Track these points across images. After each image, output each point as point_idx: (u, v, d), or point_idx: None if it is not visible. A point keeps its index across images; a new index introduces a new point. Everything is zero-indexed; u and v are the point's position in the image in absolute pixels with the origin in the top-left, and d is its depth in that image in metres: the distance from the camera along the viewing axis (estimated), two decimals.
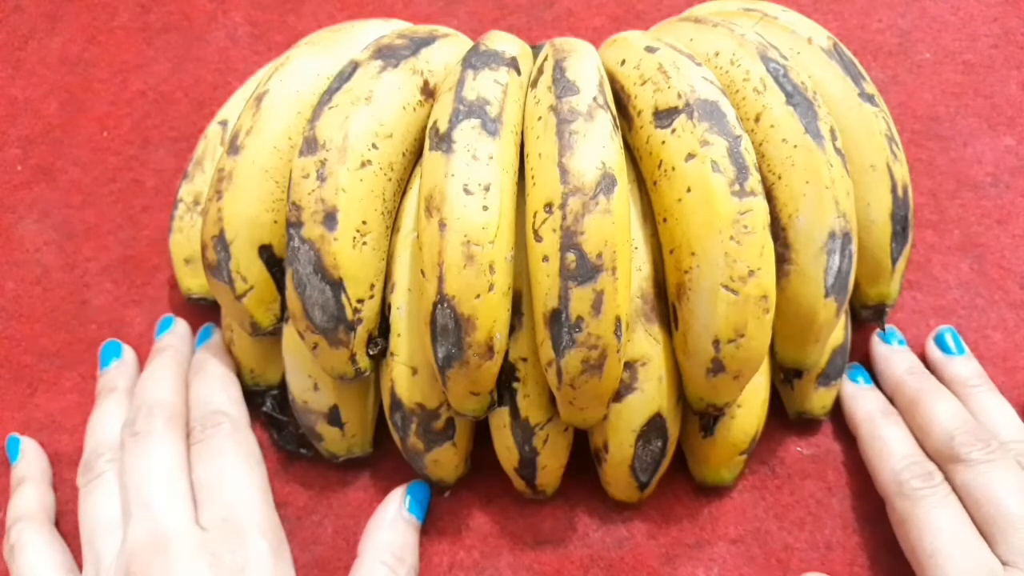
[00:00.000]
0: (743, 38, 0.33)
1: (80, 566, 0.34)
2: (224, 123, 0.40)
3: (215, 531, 0.32)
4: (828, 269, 0.30)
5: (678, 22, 0.36)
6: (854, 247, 0.31)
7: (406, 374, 0.32)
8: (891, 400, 0.36)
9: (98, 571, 0.32)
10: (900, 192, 0.33)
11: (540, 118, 0.30)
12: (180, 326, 0.39)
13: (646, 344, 0.32)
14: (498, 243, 0.29)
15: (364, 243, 0.31)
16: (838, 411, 0.37)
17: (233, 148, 0.33)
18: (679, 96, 0.30)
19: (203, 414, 0.35)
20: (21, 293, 0.42)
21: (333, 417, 0.35)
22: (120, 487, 0.33)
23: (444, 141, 0.30)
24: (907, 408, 0.35)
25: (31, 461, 0.37)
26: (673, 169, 0.30)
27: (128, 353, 0.39)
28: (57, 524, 0.36)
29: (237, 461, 0.34)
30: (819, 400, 0.36)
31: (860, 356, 0.38)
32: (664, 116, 0.31)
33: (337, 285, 0.31)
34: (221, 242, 0.33)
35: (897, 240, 0.34)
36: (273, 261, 0.34)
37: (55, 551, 0.34)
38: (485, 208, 0.29)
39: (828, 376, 0.35)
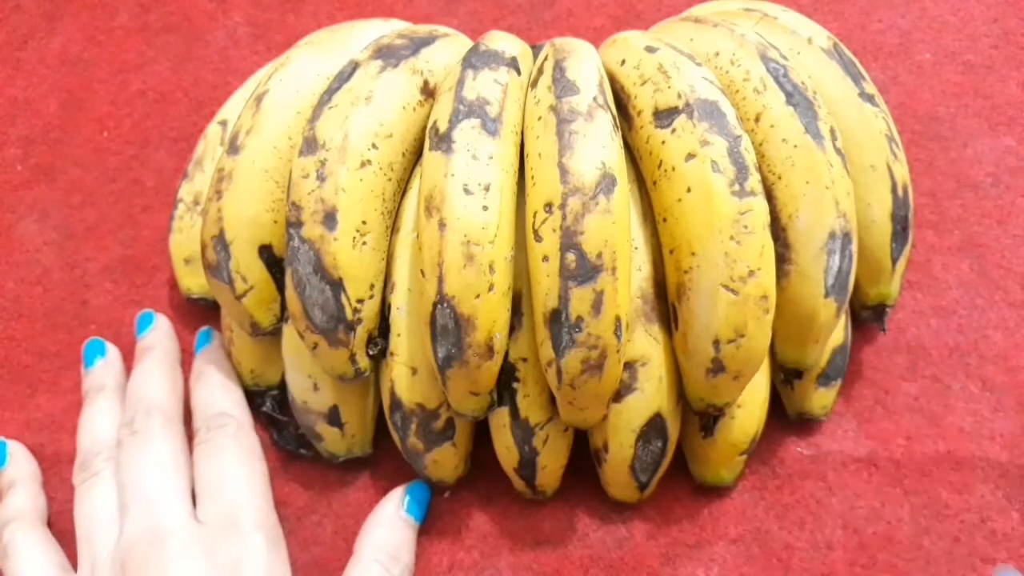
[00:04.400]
0: (743, 38, 0.33)
1: (74, 566, 0.34)
2: (224, 123, 0.40)
3: (212, 525, 0.32)
4: (828, 269, 0.30)
5: (678, 22, 0.36)
6: (854, 247, 0.31)
7: (406, 374, 0.32)
8: None
9: (94, 567, 0.32)
10: (900, 192, 0.33)
11: (540, 118, 0.30)
12: (162, 322, 0.39)
13: (646, 344, 0.32)
14: (498, 243, 0.29)
15: (364, 243, 0.31)
16: (838, 411, 0.37)
17: (233, 148, 0.33)
18: (679, 96, 0.30)
19: (208, 416, 0.35)
20: (21, 293, 0.42)
21: (333, 417, 0.35)
22: (117, 484, 0.33)
23: (444, 141, 0.30)
24: None
25: (20, 464, 0.36)
26: (673, 169, 0.30)
27: (112, 351, 0.39)
28: (57, 522, 0.36)
29: (238, 459, 0.34)
30: (819, 400, 0.35)
31: (860, 356, 0.38)
32: (664, 116, 0.31)
33: (337, 285, 0.31)
34: (221, 242, 0.33)
35: (897, 240, 0.34)
36: (273, 261, 0.34)
37: (48, 551, 0.34)
38: (485, 208, 0.29)
39: (828, 376, 0.35)
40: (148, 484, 0.33)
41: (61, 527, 0.36)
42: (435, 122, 0.31)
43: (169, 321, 0.39)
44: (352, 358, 0.32)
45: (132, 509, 0.32)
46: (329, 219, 0.30)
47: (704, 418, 0.33)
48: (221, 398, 0.36)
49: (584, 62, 0.32)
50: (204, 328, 0.39)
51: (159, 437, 0.34)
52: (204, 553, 0.31)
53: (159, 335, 0.38)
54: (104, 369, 0.38)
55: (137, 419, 0.34)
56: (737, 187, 0.29)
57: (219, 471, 0.34)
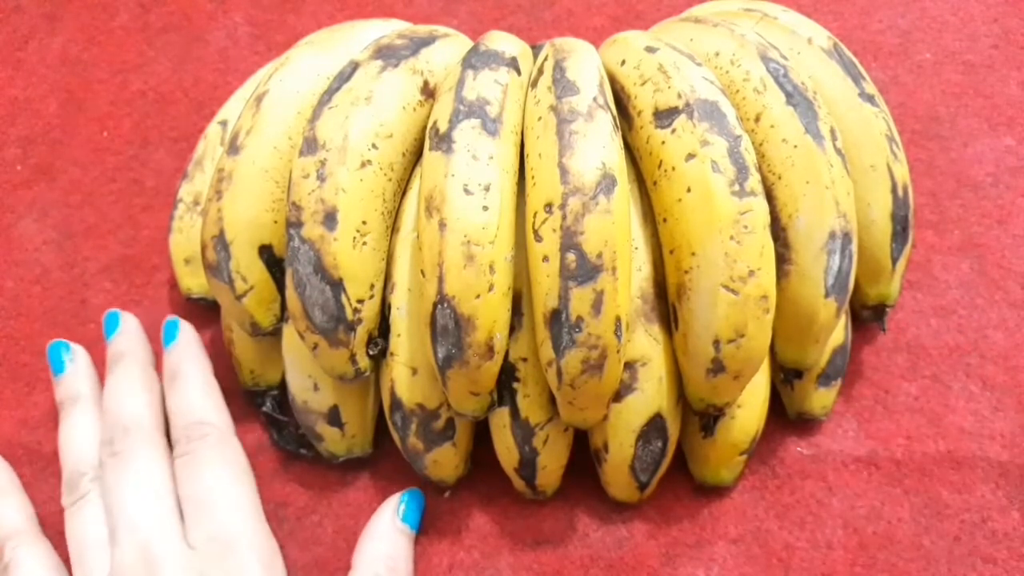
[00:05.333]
0: (743, 38, 0.33)
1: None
2: (224, 123, 0.40)
3: (205, 549, 0.31)
4: (828, 269, 0.30)
5: (678, 22, 0.36)
6: (854, 247, 0.31)
7: (406, 374, 0.32)
8: None
9: None
10: (900, 192, 0.33)
11: (540, 118, 0.30)
12: (129, 323, 0.37)
13: (646, 344, 0.32)
14: (498, 243, 0.29)
15: (364, 243, 0.31)
16: (838, 411, 0.37)
17: (233, 148, 0.33)
18: (679, 96, 0.30)
19: (186, 424, 0.34)
20: (20, 292, 0.42)
21: (333, 417, 0.35)
22: (104, 509, 0.33)
23: (444, 141, 0.30)
24: None
25: (1, 473, 0.36)
26: (673, 169, 0.30)
27: (79, 353, 0.37)
28: (57, 523, 0.36)
29: (224, 474, 0.33)
30: (819, 400, 0.36)
31: (860, 356, 0.38)
32: (664, 116, 0.31)
33: (337, 285, 0.31)
34: (221, 242, 0.33)
35: (897, 240, 0.34)
36: (273, 261, 0.34)
37: (51, 567, 0.33)
38: (485, 208, 0.29)
39: (828, 376, 0.35)
40: (134, 509, 0.32)
41: (58, 528, 0.35)
42: (435, 122, 0.31)
43: (136, 320, 0.38)
44: (352, 358, 0.32)
45: (121, 536, 0.32)
46: (329, 219, 0.30)
47: (704, 418, 0.33)
48: (199, 404, 0.35)
49: (584, 62, 0.32)
50: (171, 318, 0.37)
51: (141, 457, 0.33)
52: None
53: (128, 340, 0.37)
54: (74, 376, 0.37)
55: (116, 439, 0.33)
56: (737, 187, 0.29)
57: (205, 488, 0.33)
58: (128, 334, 0.37)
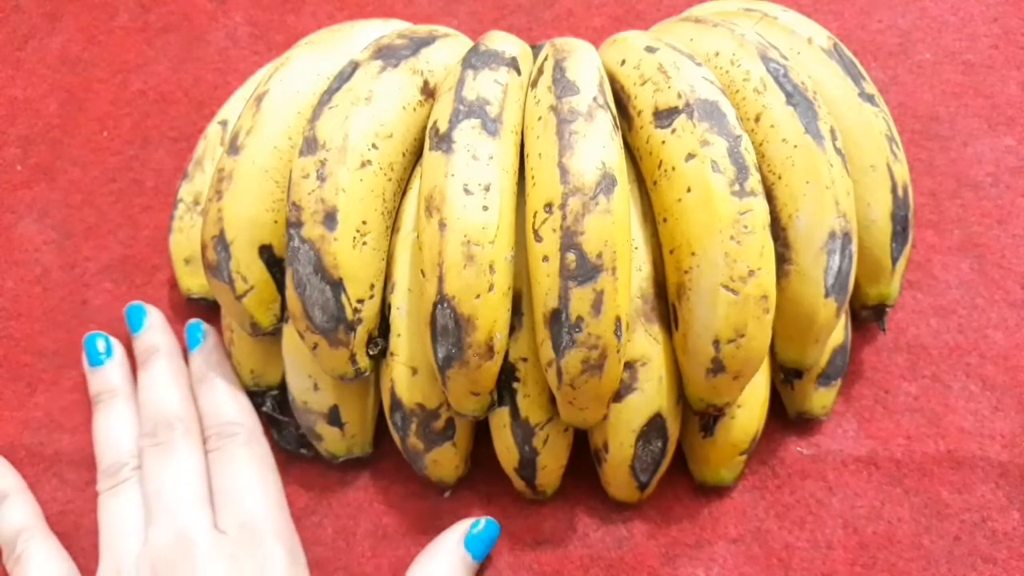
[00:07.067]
0: (743, 38, 0.33)
1: (80, 569, 0.34)
2: (224, 123, 0.40)
3: (234, 535, 0.33)
4: (828, 269, 0.30)
5: (678, 22, 0.36)
6: (854, 247, 0.31)
7: (406, 374, 0.32)
8: None
9: (119, 571, 0.33)
10: (900, 192, 0.33)
11: (540, 118, 0.30)
12: (156, 318, 0.39)
13: (646, 344, 0.32)
14: (498, 243, 0.29)
15: (364, 243, 0.31)
16: (838, 411, 0.37)
17: (233, 148, 0.33)
18: (679, 96, 0.30)
19: (218, 424, 0.35)
20: (21, 292, 0.42)
21: (333, 417, 0.35)
22: (142, 494, 0.34)
23: (444, 141, 0.30)
24: None
25: (5, 475, 0.37)
26: (673, 169, 0.30)
27: (118, 350, 0.38)
28: (57, 524, 0.36)
29: (252, 469, 0.35)
30: (819, 400, 0.36)
31: (860, 356, 0.38)
32: (664, 116, 0.31)
33: (337, 285, 0.31)
34: (221, 242, 0.33)
35: (897, 240, 0.34)
36: (273, 261, 0.34)
37: (60, 561, 0.34)
38: (485, 208, 0.29)
39: (828, 376, 0.35)
40: (173, 495, 0.33)
41: (61, 529, 0.36)
42: (435, 122, 0.31)
43: (160, 313, 0.39)
44: (352, 358, 0.32)
45: (158, 518, 0.33)
46: (329, 219, 0.30)
47: (704, 418, 0.33)
48: (229, 406, 0.36)
49: (584, 62, 0.32)
50: (194, 321, 0.38)
51: (182, 448, 0.35)
52: (228, 562, 0.32)
53: (158, 334, 0.38)
54: (113, 371, 0.38)
55: (160, 432, 0.35)
56: (737, 187, 0.29)
57: (236, 482, 0.34)
58: (157, 328, 0.38)
